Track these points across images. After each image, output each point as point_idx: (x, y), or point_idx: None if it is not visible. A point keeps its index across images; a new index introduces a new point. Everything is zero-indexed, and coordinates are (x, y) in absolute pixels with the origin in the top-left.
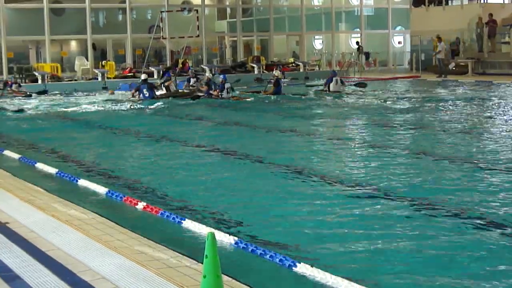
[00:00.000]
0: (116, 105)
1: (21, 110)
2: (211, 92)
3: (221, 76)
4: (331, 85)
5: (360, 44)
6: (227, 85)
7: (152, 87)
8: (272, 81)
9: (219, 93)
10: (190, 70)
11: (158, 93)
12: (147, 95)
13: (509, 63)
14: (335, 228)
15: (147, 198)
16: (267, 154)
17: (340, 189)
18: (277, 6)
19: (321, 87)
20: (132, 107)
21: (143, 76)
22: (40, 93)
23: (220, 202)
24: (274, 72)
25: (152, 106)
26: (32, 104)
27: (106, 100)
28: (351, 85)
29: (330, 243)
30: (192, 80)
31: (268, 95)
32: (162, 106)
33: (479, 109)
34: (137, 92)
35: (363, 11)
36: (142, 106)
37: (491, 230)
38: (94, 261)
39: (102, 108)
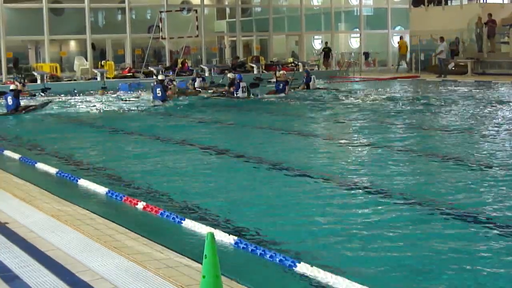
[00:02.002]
0: (117, 105)
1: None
2: (224, 88)
3: (237, 75)
4: (311, 84)
5: (327, 45)
6: (242, 84)
7: (166, 89)
8: (273, 80)
9: (235, 93)
10: (195, 72)
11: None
12: (159, 94)
13: (509, 63)
14: (336, 228)
15: (147, 198)
16: (268, 154)
17: (341, 189)
18: (277, 6)
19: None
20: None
21: (160, 77)
22: (44, 90)
23: (220, 202)
24: (280, 72)
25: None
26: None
27: (122, 100)
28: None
29: (331, 242)
30: (198, 80)
31: (272, 94)
32: (167, 106)
33: (479, 109)
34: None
35: (363, 11)
36: (156, 106)
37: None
38: (93, 261)
39: (103, 108)
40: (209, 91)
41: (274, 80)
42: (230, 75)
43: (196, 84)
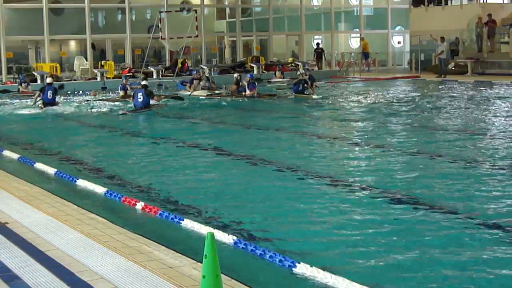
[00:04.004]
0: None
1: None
2: (247, 93)
3: (248, 75)
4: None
5: (320, 45)
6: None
7: (149, 94)
8: (273, 80)
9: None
10: (202, 71)
11: (186, 93)
12: (140, 100)
13: (509, 63)
14: (335, 228)
15: (146, 198)
16: (268, 155)
17: (340, 189)
18: (277, 6)
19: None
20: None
21: (143, 82)
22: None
23: (220, 202)
24: (301, 71)
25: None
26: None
27: (94, 100)
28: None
29: (330, 243)
30: (203, 80)
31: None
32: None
33: (479, 109)
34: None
35: (363, 11)
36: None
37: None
38: (93, 261)
39: (102, 109)
40: (216, 91)
41: (275, 80)
42: (236, 75)
43: (202, 84)
